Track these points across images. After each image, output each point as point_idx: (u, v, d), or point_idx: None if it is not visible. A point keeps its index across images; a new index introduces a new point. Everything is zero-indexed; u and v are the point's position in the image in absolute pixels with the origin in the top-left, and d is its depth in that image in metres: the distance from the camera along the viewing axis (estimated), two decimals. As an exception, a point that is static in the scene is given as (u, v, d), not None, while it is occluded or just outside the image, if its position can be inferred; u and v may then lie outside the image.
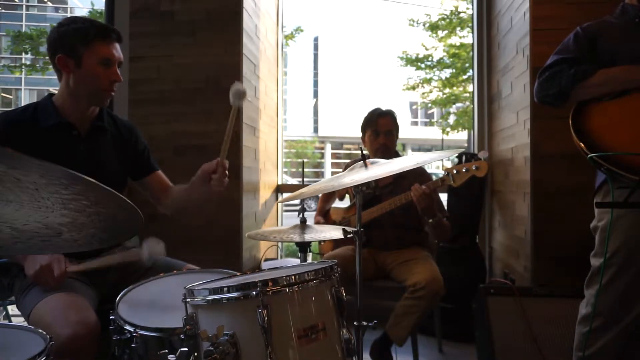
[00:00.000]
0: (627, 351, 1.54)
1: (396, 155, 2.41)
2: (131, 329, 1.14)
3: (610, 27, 1.65)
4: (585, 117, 1.54)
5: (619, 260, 1.50)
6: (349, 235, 1.48)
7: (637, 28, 1.60)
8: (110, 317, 1.21)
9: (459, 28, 12.03)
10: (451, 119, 14.58)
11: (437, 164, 16.97)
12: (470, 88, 11.44)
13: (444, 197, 2.55)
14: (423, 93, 14.00)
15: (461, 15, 11.89)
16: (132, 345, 1.14)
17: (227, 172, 1.60)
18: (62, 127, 1.59)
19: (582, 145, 1.46)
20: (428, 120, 27.43)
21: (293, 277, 0.95)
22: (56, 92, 1.64)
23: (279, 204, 3.51)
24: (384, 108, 2.48)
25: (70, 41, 1.53)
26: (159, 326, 1.13)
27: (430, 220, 2.16)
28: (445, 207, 2.43)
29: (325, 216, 2.67)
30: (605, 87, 1.53)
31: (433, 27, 12.36)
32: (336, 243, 2.55)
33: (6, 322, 2.29)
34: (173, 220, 1.88)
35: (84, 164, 1.57)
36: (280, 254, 3.32)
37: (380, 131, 2.38)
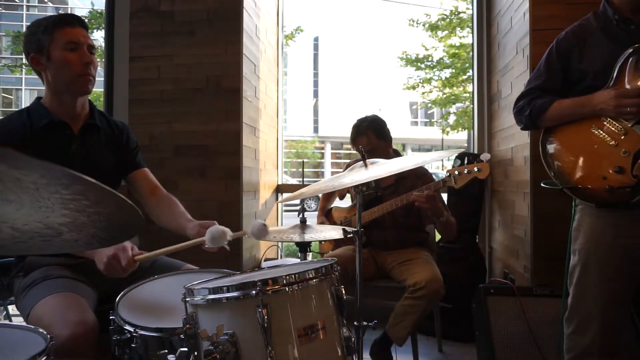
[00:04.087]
0: (609, 349, 1.51)
1: (396, 155, 2.41)
2: (131, 329, 1.14)
3: (586, 35, 1.59)
4: (551, 139, 1.64)
5: (581, 261, 1.56)
6: (349, 235, 1.49)
7: (615, 31, 1.54)
8: (110, 317, 1.21)
9: (458, 28, 12.01)
10: (451, 119, 14.55)
11: (437, 164, 16.98)
12: (470, 88, 11.43)
13: (444, 196, 2.55)
14: (423, 93, 13.98)
15: (461, 15, 11.88)
16: (132, 345, 1.13)
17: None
18: (55, 126, 1.59)
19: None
20: (428, 120, 27.38)
21: (293, 276, 0.95)
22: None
23: (279, 204, 3.51)
24: (375, 112, 2.44)
25: (36, 38, 1.55)
26: (159, 326, 1.13)
27: (441, 219, 2.15)
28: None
29: (327, 215, 2.67)
30: (559, 120, 1.60)
31: (433, 27, 12.33)
32: (336, 243, 2.55)
33: (6, 321, 2.29)
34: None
35: (79, 163, 1.57)
36: (280, 253, 3.32)
37: (363, 150, 2.39)
